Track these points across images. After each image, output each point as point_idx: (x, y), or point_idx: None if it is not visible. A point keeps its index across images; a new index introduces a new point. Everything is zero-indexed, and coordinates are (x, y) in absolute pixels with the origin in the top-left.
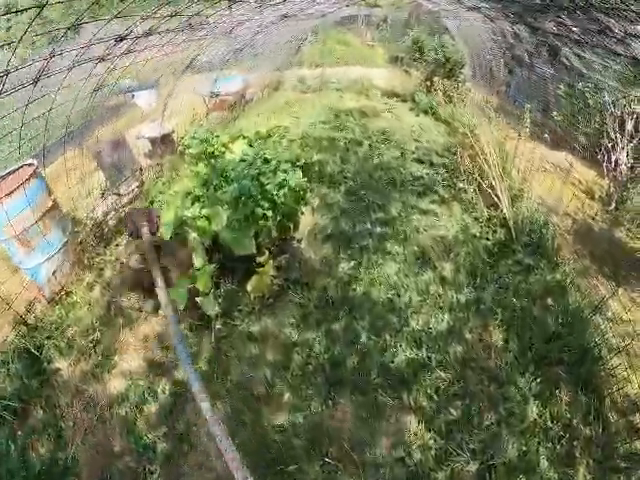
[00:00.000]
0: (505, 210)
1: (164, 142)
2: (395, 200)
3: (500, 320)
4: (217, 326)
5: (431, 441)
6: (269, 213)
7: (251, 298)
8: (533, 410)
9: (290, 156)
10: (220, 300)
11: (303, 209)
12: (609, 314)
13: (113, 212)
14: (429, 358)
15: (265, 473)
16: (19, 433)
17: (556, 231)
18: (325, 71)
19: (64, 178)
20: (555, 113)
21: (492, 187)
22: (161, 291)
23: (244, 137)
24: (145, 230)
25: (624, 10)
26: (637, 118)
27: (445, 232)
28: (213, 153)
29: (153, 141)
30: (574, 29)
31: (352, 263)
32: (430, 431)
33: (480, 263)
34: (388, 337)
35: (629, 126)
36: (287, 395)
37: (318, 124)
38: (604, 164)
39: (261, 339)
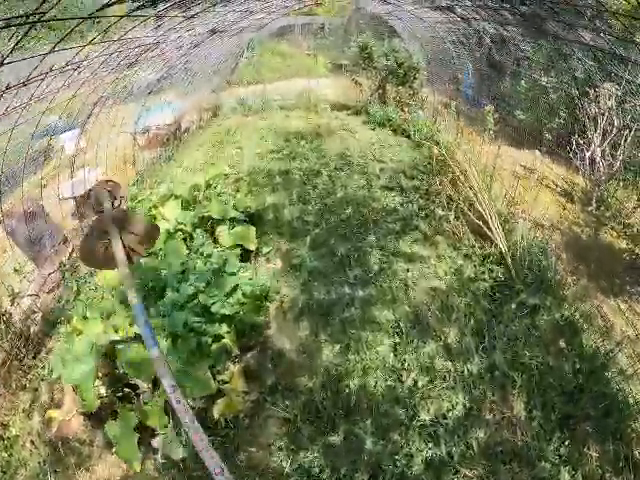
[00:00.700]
0: (500, 244)
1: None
2: (372, 246)
3: (519, 386)
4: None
5: None
6: (223, 330)
7: (222, 423)
8: (565, 478)
9: (238, 205)
10: (184, 440)
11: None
12: (618, 338)
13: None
14: (449, 454)
15: None
16: None
17: (555, 257)
18: (266, 88)
19: None
20: (518, 111)
21: (474, 209)
22: (122, 266)
23: (176, 197)
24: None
25: None
26: (609, 114)
27: (438, 282)
28: None
29: (78, 200)
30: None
31: (337, 347)
32: None
33: (483, 315)
34: (397, 437)
35: (602, 122)
36: None
37: (266, 154)
38: (577, 162)
39: (244, 476)
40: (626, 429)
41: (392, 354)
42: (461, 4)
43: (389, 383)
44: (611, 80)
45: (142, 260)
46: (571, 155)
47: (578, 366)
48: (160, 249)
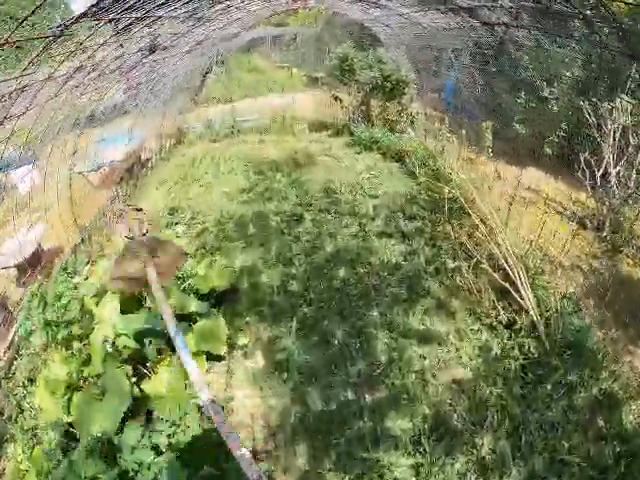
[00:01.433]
0: (532, 312)
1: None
2: (377, 326)
3: None
4: None
5: None
6: None
7: None
8: None
9: (201, 286)
10: None
11: None
12: None
13: None
14: None
15: None
16: None
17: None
18: (236, 107)
19: None
20: (517, 125)
21: (491, 256)
22: (155, 286)
23: (113, 293)
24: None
25: None
26: (623, 130)
27: (462, 369)
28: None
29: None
30: None
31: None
32: None
33: (516, 406)
34: None
35: (616, 139)
36: None
37: (237, 194)
38: (587, 182)
39: None
40: None
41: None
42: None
43: None
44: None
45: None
46: (579, 174)
47: (619, 449)
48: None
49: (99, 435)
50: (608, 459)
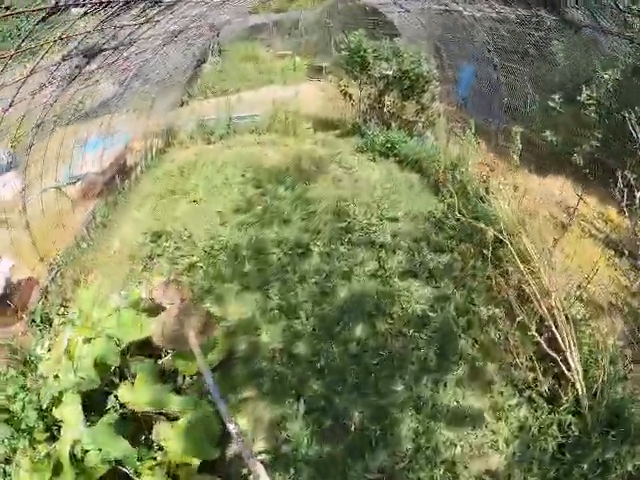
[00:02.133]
0: (577, 384)
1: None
2: (402, 406)
3: None
4: None
5: None
6: None
7: None
8: None
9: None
10: None
11: None
12: None
13: None
14: None
15: None
16: None
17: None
18: (234, 100)
19: None
20: (547, 131)
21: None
22: (195, 348)
23: (74, 392)
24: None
25: None
26: None
27: (497, 457)
28: None
29: None
30: None
31: None
32: None
33: None
34: None
35: None
36: None
37: (231, 215)
38: (624, 202)
39: None
40: None
41: None
42: None
43: None
44: None
45: None
46: (617, 193)
47: None
48: None
49: None
50: None
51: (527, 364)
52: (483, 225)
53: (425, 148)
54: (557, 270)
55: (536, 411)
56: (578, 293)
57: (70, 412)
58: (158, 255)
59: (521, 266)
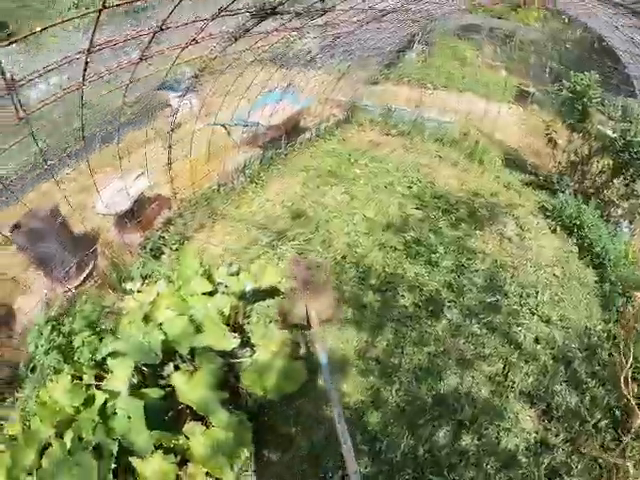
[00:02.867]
0: None
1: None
2: None
3: None
4: None
5: None
6: None
7: None
8: None
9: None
10: None
11: None
12: None
13: None
14: None
15: None
16: None
17: None
18: (426, 96)
19: None
20: None
21: None
22: (315, 326)
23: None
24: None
25: None
26: None
27: None
28: None
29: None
30: None
31: None
32: None
33: None
34: None
35: None
36: None
37: (379, 229)
38: None
39: None
40: None
41: None
42: None
43: None
44: None
45: None
46: None
47: None
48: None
49: None
50: None
51: None
52: None
53: (616, 243)
54: None
55: None
56: None
57: (121, 370)
58: (288, 239)
59: None
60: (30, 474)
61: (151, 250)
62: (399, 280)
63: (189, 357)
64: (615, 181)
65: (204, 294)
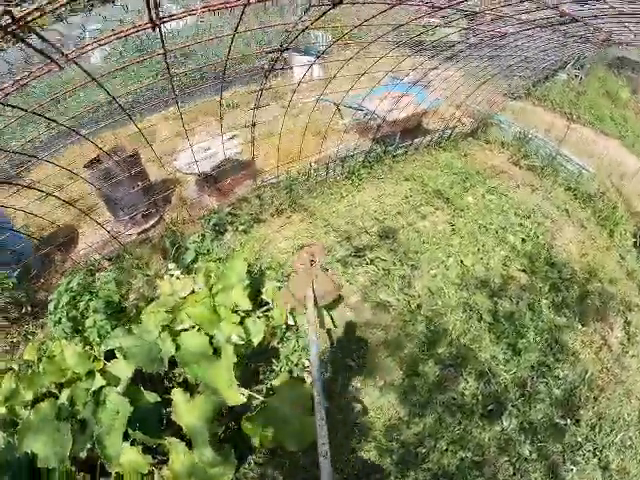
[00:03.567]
0: None
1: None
2: None
3: None
4: None
5: None
6: None
7: None
8: None
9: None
10: None
11: None
12: None
13: None
14: None
15: None
16: None
17: None
18: (570, 130)
19: None
20: None
21: None
22: (310, 305)
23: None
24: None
25: None
26: None
27: None
28: None
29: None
30: None
31: None
32: None
33: None
34: None
35: None
36: None
37: (470, 283)
38: None
39: None
40: None
41: None
42: None
43: None
44: None
45: None
46: None
47: None
48: None
49: None
50: None
51: None
52: None
53: None
54: None
55: None
56: None
57: (123, 367)
58: (366, 261)
59: None
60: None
61: (214, 225)
62: (470, 358)
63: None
64: None
65: (236, 313)
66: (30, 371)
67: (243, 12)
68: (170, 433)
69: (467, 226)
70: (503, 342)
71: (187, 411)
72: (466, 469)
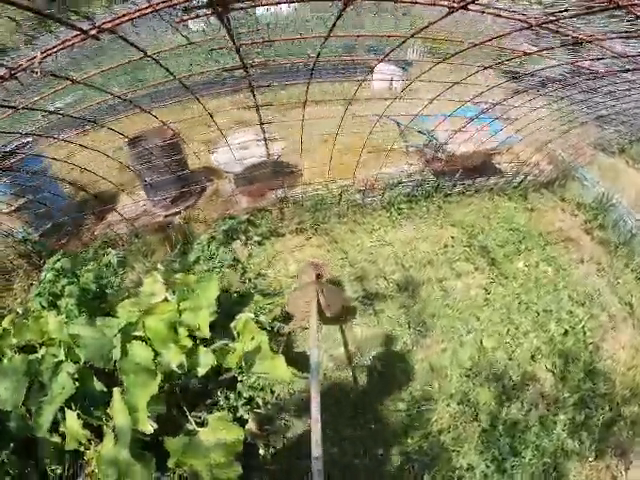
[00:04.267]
0: None
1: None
2: None
3: None
4: None
5: None
6: None
7: None
8: None
9: None
10: None
11: None
12: None
13: None
14: None
15: None
16: None
17: None
18: None
19: None
20: None
21: None
22: (313, 319)
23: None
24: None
25: None
26: None
27: None
28: None
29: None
30: None
31: None
32: None
33: None
34: None
35: None
36: None
37: (455, 395)
38: None
39: None
40: None
41: None
42: None
43: None
44: None
45: None
46: None
47: None
48: None
49: None
50: None
51: None
52: None
53: None
54: None
55: None
56: None
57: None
58: (373, 312)
59: None
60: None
61: (226, 231)
62: (442, 461)
63: None
64: None
65: (193, 339)
66: (22, 321)
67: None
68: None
69: (505, 298)
70: (490, 454)
71: (119, 410)
72: None
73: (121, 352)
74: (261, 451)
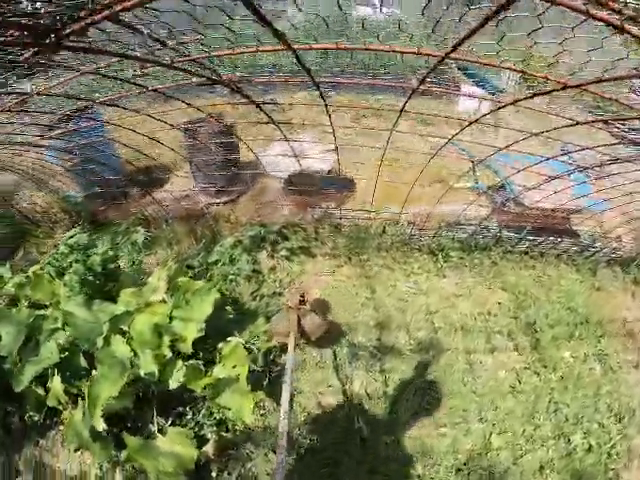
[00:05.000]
0: None
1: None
2: None
3: None
4: None
5: None
6: None
7: None
8: None
9: None
10: None
11: None
12: None
13: None
14: None
15: None
16: None
17: None
18: None
19: None
20: None
21: None
22: (291, 345)
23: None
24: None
25: None
26: None
27: None
28: None
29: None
30: None
31: None
32: None
33: None
34: None
35: None
36: None
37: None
38: None
39: None
40: None
41: None
42: None
43: None
44: None
45: None
46: None
47: None
48: None
49: None
50: None
51: None
52: None
53: None
54: None
55: None
56: None
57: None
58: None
59: None
60: None
61: (252, 237)
62: None
63: None
64: None
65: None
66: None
67: None
68: None
69: (535, 390)
70: None
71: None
72: None
73: (104, 341)
74: (213, 474)
